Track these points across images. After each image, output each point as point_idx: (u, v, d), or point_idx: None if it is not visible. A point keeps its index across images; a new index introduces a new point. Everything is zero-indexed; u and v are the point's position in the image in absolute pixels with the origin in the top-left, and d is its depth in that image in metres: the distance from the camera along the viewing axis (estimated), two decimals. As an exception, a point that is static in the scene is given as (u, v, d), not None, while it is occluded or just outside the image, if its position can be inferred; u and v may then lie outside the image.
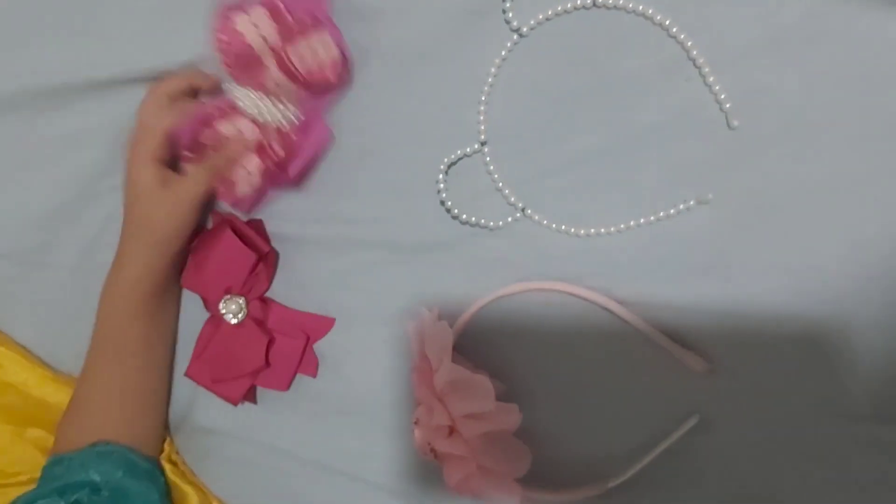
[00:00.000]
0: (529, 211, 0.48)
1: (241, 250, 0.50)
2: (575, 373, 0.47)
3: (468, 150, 0.48)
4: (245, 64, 0.47)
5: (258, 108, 0.48)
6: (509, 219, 0.48)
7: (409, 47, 0.48)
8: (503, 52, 0.46)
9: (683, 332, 0.45)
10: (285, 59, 0.46)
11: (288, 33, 0.46)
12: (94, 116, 0.53)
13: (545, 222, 0.47)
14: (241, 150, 0.49)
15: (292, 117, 0.48)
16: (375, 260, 0.51)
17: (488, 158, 0.48)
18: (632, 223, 0.46)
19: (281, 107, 0.48)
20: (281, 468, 0.54)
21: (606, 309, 0.45)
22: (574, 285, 0.46)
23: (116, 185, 0.52)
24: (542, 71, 0.46)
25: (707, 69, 0.43)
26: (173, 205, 0.47)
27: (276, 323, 0.53)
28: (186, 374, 0.53)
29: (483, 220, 0.48)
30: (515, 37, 0.46)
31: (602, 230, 0.46)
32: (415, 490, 0.51)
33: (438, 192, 0.48)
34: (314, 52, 0.46)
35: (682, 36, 0.43)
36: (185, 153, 0.49)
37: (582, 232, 0.47)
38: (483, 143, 0.48)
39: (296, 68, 0.46)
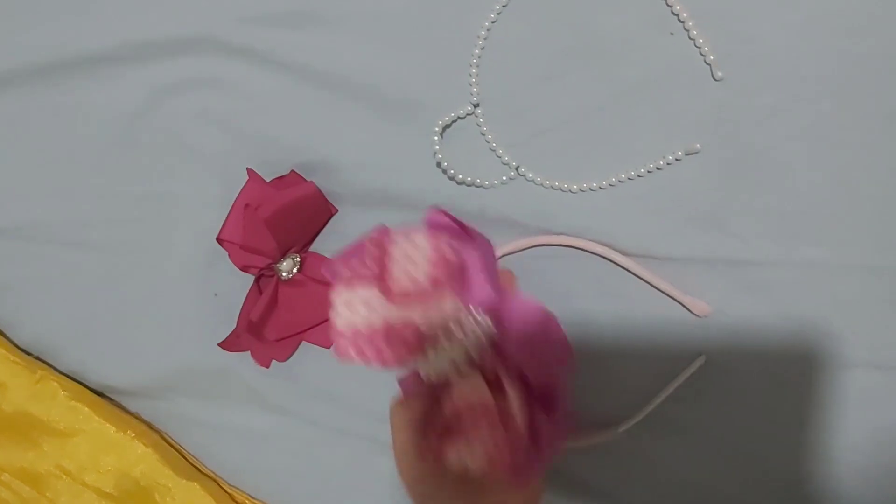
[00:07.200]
0: (523, 169, 0.49)
1: (323, 207, 0.49)
2: (580, 324, 0.48)
3: (461, 112, 0.49)
4: (401, 345, 0.35)
5: (448, 355, 0.36)
6: (504, 178, 0.49)
7: (399, 10, 0.48)
8: (492, 15, 0.47)
9: (682, 280, 0.46)
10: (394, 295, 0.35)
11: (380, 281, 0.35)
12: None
13: (539, 180, 0.48)
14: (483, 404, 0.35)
15: (482, 323, 0.36)
16: (375, 220, 0.51)
17: (481, 120, 0.49)
18: (623, 177, 0.47)
19: (461, 333, 0.36)
20: (298, 435, 0.54)
21: (607, 259, 0.47)
22: (575, 238, 0.47)
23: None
24: (530, 31, 0.47)
25: (691, 23, 0.44)
26: None
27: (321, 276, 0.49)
28: (222, 345, 0.50)
29: (479, 180, 0.49)
30: (504, -1, 0.47)
31: (595, 185, 0.47)
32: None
33: (434, 154, 0.49)
34: (410, 259, 0.36)
35: (665, -9, 0.45)
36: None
37: (575, 188, 0.48)
38: (476, 105, 0.49)
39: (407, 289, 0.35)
